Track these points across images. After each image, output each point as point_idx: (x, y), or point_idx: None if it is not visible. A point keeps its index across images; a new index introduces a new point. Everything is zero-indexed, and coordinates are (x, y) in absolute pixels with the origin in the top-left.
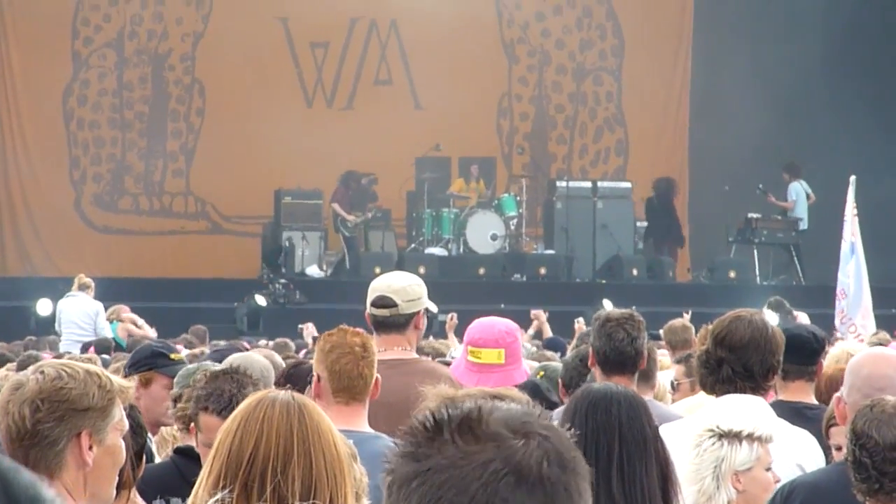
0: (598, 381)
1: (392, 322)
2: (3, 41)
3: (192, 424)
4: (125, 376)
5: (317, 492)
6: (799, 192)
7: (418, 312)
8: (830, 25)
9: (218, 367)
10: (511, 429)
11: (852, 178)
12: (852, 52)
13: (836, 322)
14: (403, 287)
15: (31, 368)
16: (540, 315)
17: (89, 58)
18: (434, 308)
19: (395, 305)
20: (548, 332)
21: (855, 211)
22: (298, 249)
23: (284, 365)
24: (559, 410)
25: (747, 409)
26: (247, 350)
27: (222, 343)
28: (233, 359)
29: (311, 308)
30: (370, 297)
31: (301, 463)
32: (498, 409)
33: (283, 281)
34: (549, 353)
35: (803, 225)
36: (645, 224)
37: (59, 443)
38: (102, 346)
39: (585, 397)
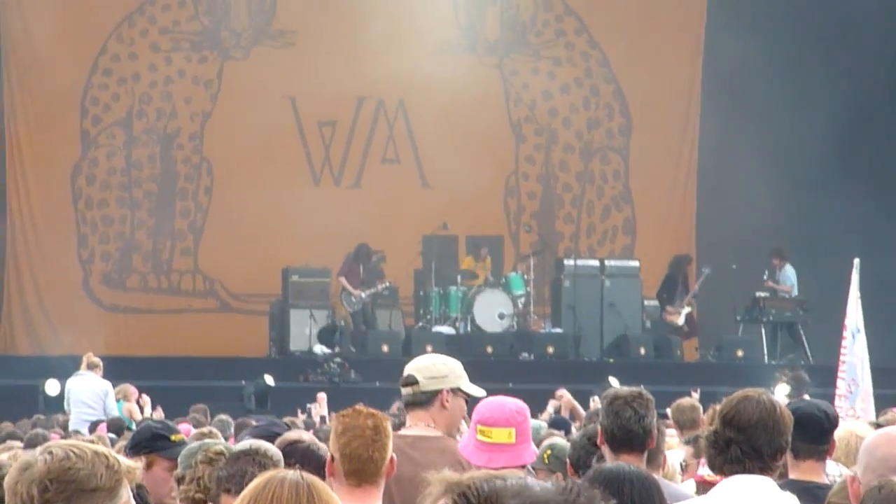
0: (607, 459)
1: (415, 400)
2: (12, 119)
3: None
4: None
5: None
6: (795, 275)
7: (442, 390)
8: (838, 105)
9: (219, 445)
10: None
11: (856, 261)
12: (860, 131)
13: (837, 409)
14: (427, 365)
15: (38, 449)
16: (565, 394)
17: (98, 137)
18: (478, 392)
19: (416, 383)
20: (579, 410)
21: (858, 294)
22: (305, 328)
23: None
24: None
25: (755, 490)
26: (287, 428)
27: (254, 422)
28: (247, 442)
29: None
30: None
31: None
32: (519, 494)
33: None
34: (554, 432)
35: None
36: (652, 303)
37: None
38: (115, 427)
39: (597, 477)
